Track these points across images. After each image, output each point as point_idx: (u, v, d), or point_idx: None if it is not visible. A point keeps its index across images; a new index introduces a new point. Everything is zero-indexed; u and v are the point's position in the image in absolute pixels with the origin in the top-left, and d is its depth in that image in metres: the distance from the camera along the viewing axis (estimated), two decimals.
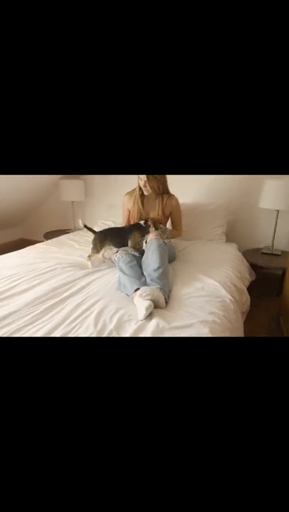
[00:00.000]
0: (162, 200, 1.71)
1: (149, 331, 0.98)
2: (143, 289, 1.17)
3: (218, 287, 1.32)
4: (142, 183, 1.68)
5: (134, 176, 2.45)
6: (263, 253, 2.04)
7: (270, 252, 2.03)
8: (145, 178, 1.64)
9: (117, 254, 1.50)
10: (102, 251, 1.62)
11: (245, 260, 1.86)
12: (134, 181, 2.56)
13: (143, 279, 1.33)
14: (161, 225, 1.61)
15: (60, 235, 2.35)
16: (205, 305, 1.15)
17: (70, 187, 2.52)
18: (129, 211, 1.81)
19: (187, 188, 2.30)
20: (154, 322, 1.03)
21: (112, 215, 2.41)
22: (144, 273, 1.38)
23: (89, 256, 1.62)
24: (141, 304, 1.08)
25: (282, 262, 1.91)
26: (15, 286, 1.34)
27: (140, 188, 1.71)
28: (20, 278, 1.42)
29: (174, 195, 1.76)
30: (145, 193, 1.70)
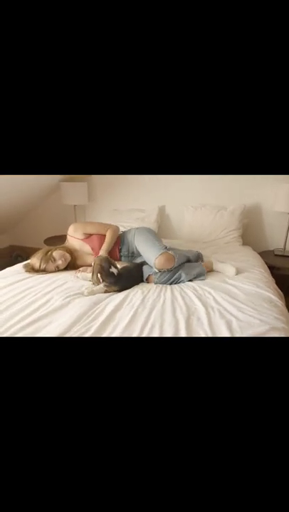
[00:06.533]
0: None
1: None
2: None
3: (265, 290, 1.30)
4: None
5: (138, 180, 2.38)
6: (276, 255, 2.08)
7: (282, 254, 2.09)
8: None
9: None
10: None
11: (264, 262, 1.88)
12: (138, 185, 2.46)
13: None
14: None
15: (63, 241, 2.16)
16: (265, 310, 1.11)
17: (72, 190, 2.34)
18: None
19: (196, 192, 2.29)
20: (224, 329, 0.98)
21: (116, 220, 2.29)
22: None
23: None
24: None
25: None
26: (49, 300, 1.19)
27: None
28: (51, 292, 1.27)
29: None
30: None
